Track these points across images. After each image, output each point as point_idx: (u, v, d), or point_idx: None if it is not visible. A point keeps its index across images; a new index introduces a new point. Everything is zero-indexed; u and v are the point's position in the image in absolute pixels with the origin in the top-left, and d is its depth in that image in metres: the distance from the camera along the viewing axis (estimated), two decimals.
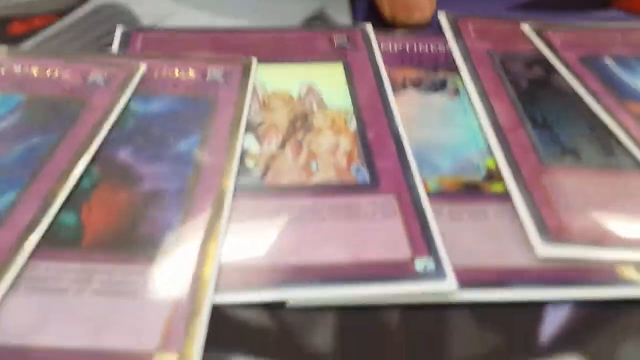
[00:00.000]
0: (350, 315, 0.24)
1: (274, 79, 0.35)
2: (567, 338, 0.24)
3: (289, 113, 0.33)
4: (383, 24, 0.41)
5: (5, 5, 0.41)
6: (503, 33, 0.41)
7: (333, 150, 0.31)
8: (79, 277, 0.24)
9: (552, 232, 0.27)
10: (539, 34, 0.41)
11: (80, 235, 0.25)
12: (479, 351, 0.23)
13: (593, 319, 0.25)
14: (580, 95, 0.36)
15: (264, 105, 0.34)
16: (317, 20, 0.42)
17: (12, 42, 0.37)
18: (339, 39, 0.39)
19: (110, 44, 0.37)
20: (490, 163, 0.31)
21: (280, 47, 0.38)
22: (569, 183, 0.30)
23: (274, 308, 0.24)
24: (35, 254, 0.24)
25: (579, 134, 0.33)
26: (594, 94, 0.36)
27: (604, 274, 0.26)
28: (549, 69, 0.38)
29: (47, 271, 0.24)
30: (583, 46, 0.40)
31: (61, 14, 0.40)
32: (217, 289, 0.24)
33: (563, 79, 0.37)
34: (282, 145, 0.31)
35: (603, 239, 0.27)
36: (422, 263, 0.25)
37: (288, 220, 0.27)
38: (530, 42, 0.40)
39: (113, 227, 0.26)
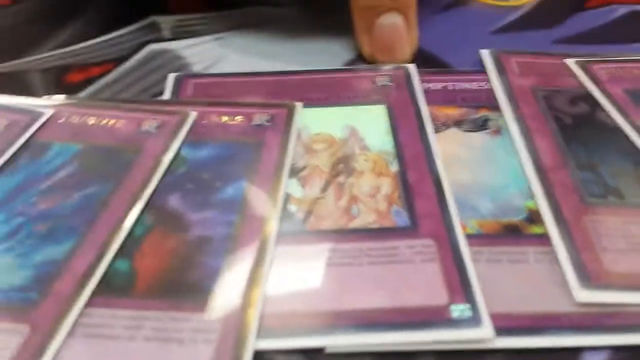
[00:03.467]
0: None
1: (317, 122, 0.36)
2: None
3: (331, 156, 0.34)
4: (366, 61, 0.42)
5: (64, 53, 0.43)
6: (547, 68, 0.41)
7: (374, 193, 0.32)
8: (131, 324, 0.25)
9: (592, 276, 0.27)
10: (584, 68, 0.41)
11: (132, 282, 0.27)
12: None
13: None
14: (625, 130, 0.36)
15: (308, 149, 0.35)
16: (360, 61, 0.42)
17: (70, 91, 0.39)
18: (381, 79, 0.40)
19: (163, 91, 0.39)
20: (531, 204, 0.31)
21: (324, 88, 0.39)
22: (612, 224, 0.30)
23: (313, 354, 0.25)
24: (90, 300, 0.26)
25: (623, 172, 0.33)
26: (639, 128, 0.35)
27: None
28: (594, 104, 0.38)
29: (102, 318, 0.25)
30: (630, 80, 0.40)
31: (119, 61, 0.42)
32: (258, 334, 0.25)
33: (608, 114, 0.37)
34: (325, 189, 0.32)
35: None
36: (459, 309, 0.26)
37: (328, 265, 0.28)
38: (575, 77, 0.40)
39: (163, 274, 0.27)
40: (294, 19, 0.47)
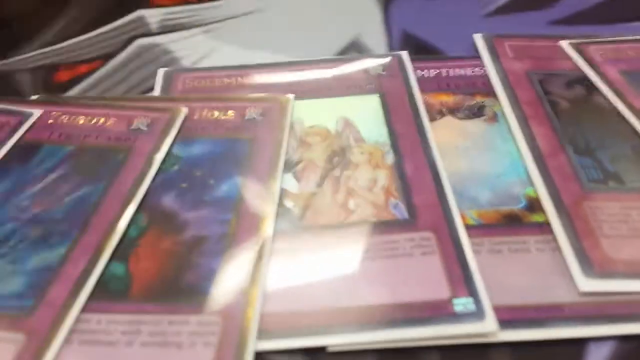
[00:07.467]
0: (390, 358, 0.24)
1: (311, 114, 0.36)
2: None
3: (326, 149, 0.34)
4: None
5: (50, 52, 0.42)
6: (541, 51, 0.40)
7: (371, 186, 0.31)
8: (128, 329, 0.25)
9: (594, 265, 0.27)
10: (579, 50, 0.40)
11: (128, 285, 0.27)
12: None
13: (638, 355, 0.24)
14: (622, 113, 0.35)
15: (302, 142, 0.34)
16: (353, 49, 0.42)
17: (59, 90, 0.39)
18: (374, 68, 0.39)
19: (153, 87, 0.38)
20: (531, 192, 0.31)
21: (317, 80, 0.38)
22: (612, 210, 0.30)
23: (315, 353, 0.25)
24: (86, 306, 0.26)
25: (621, 156, 0.33)
26: (636, 111, 0.35)
27: None
28: (590, 86, 0.37)
29: (98, 324, 0.25)
30: (625, 61, 0.39)
31: (107, 58, 0.42)
32: (259, 335, 0.25)
33: (604, 96, 0.36)
34: (321, 183, 0.32)
35: None
36: (461, 303, 0.25)
37: (326, 262, 0.28)
38: (570, 59, 0.40)
39: (159, 276, 0.27)
40: (285, 7, 0.47)
